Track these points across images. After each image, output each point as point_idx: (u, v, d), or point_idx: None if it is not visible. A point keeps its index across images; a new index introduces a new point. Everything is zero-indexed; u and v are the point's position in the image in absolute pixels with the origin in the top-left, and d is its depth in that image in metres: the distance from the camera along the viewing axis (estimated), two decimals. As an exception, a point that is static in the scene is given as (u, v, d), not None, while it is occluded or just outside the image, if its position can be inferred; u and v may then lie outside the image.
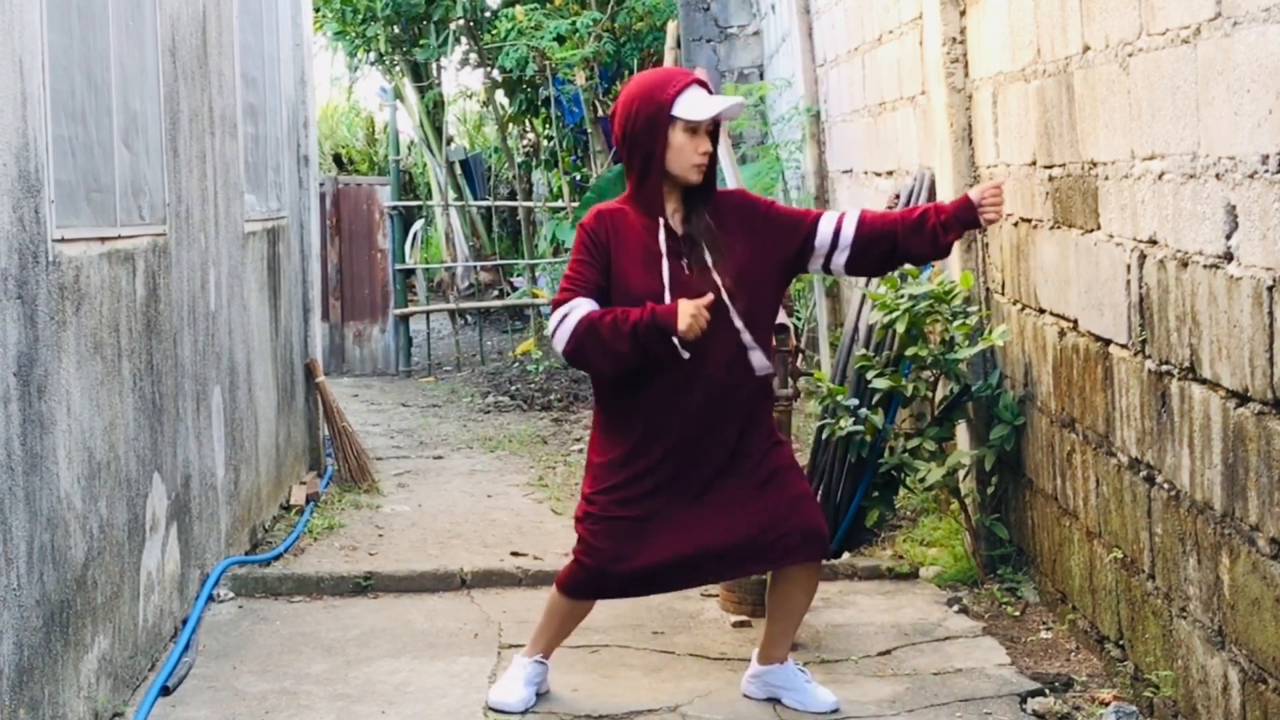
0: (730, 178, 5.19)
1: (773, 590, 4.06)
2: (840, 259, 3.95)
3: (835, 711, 3.96)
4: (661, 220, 3.85)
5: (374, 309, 11.06)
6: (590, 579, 3.94)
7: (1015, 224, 4.74)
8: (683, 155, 3.80)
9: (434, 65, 13.14)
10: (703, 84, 3.87)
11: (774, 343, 4.17)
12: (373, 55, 13.16)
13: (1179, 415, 3.42)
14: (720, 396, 3.84)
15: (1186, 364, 3.36)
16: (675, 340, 3.70)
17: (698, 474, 3.87)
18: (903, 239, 3.93)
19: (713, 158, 3.88)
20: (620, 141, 3.87)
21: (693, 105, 3.79)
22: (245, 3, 6.03)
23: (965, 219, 3.94)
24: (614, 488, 3.89)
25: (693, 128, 3.79)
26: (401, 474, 7.33)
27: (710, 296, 3.73)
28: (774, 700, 4.06)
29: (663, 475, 3.86)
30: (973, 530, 4.99)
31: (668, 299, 3.77)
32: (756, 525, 3.87)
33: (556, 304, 3.82)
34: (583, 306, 3.76)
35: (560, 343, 3.77)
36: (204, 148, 5.19)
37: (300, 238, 7.22)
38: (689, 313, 3.67)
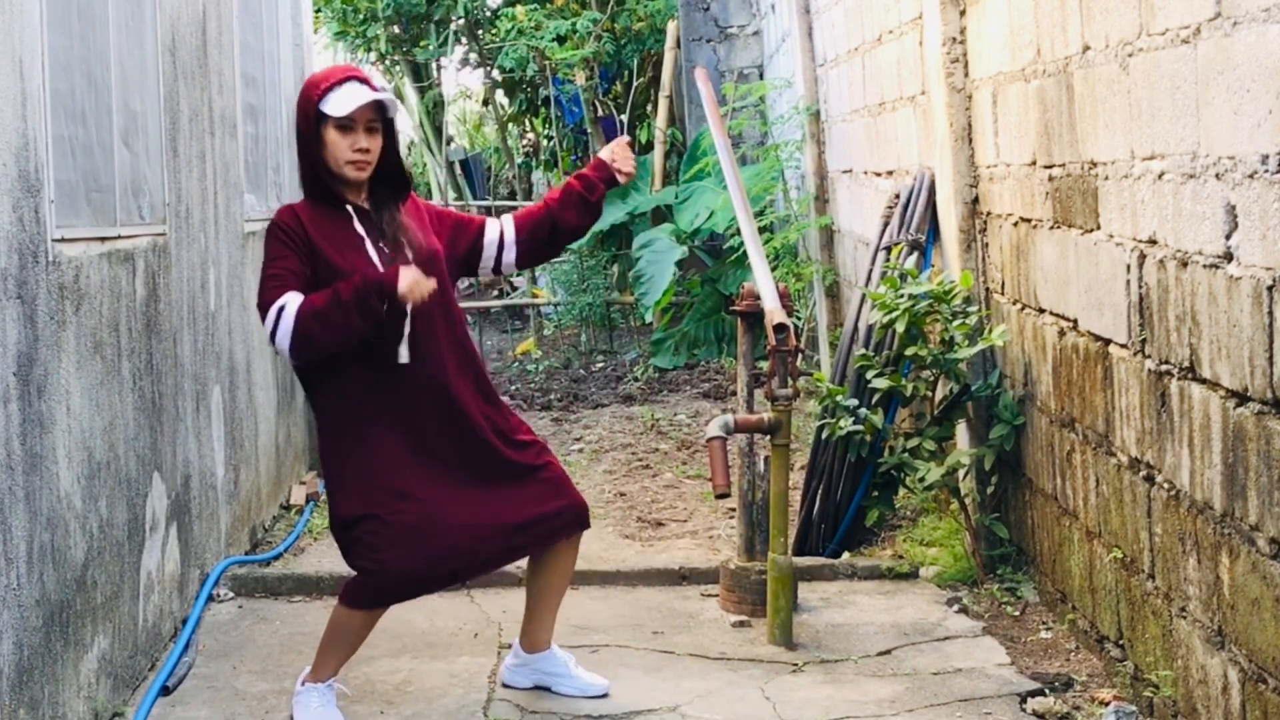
0: (730, 178, 5.18)
1: (537, 573, 4.06)
2: (510, 257, 4.12)
3: (607, 695, 4.04)
4: (350, 208, 3.83)
5: (374, 309, 11.04)
6: (378, 587, 3.85)
7: (1015, 224, 4.74)
8: (336, 152, 3.76)
9: (434, 65, 13.15)
10: (363, 80, 3.81)
11: (774, 342, 4.17)
12: (373, 55, 13.16)
13: (1179, 415, 3.42)
14: (445, 383, 3.82)
15: (1186, 364, 3.36)
16: (397, 307, 3.67)
17: (447, 469, 3.83)
18: (558, 215, 4.11)
19: (390, 153, 3.85)
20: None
21: (338, 102, 3.73)
22: (245, 3, 6.03)
23: (605, 177, 4.12)
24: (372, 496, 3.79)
25: (343, 125, 3.74)
26: (401, 474, 7.33)
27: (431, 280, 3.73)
28: (543, 688, 4.10)
29: (411, 475, 3.80)
30: (972, 530, 4.99)
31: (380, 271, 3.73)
32: (524, 511, 3.88)
33: (266, 305, 3.67)
34: (295, 298, 3.67)
35: (285, 337, 3.64)
36: (204, 148, 5.19)
37: (300, 238, 7.21)
38: (410, 275, 3.64)
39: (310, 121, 3.77)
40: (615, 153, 4.12)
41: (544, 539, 3.95)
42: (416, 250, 3.84)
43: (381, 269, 3.74)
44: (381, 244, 3.81)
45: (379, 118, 3.80)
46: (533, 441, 4.02)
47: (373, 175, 3.84)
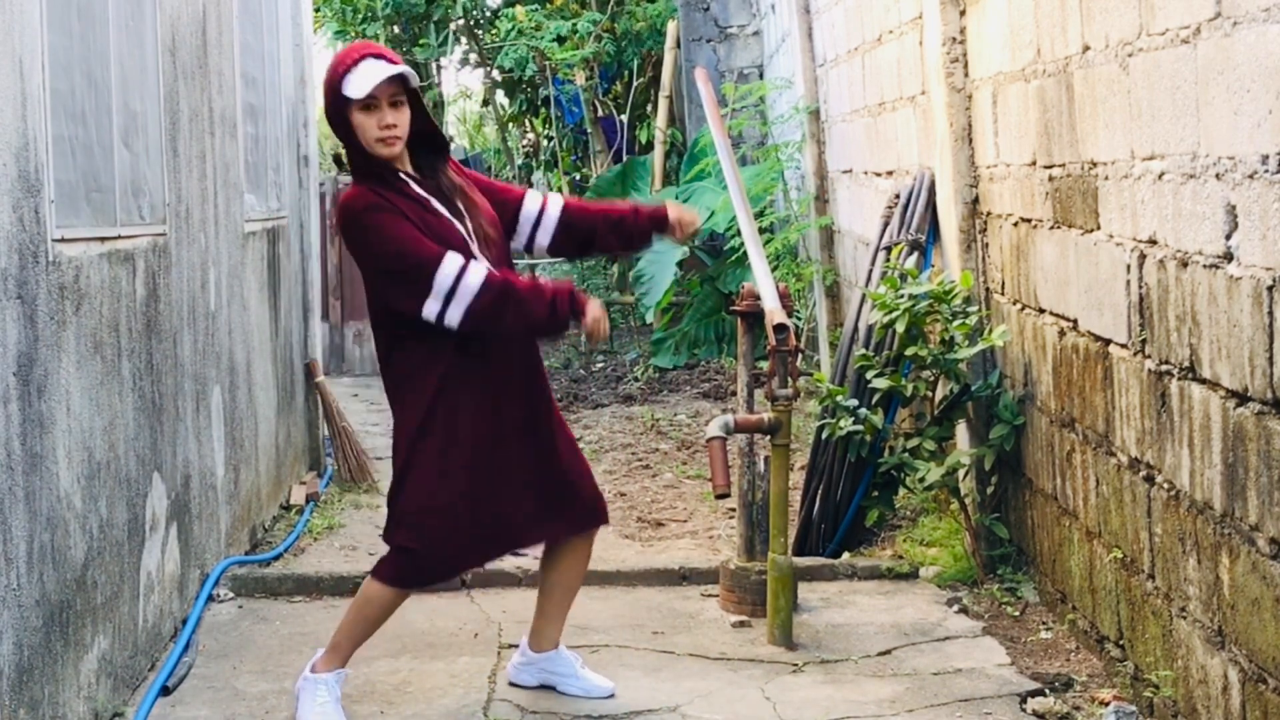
0: (730, 178, 5.18)
1: (550, 570, 4.07)
2: (543, 239, 4.05)
3: (613, 696, 4.05)
4: (403, 175, 3.82)
5: (374, 309, 11.06)
6: (418, 569, 3.90)
7: (1015, 224, 4.74)
8: (364, 132, 3.74)
9: (434, 65, 13.14)
10: (380, 55, 3.78)
11: (774, 342, 4.17)
12: (373, 55, 13.15)
13: (1179, 415, 3.42)
14: (517, 361, 3.88)
15: (1186, 364, 3.36)
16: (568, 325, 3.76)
17: (515, 453, 3.88)
18: (602, 234, 4.07)
19: (421, 120, 3.84)
20: None
21: (356, 83, 3.71)
22: (245, 3, 6.03)
23: (658, 230, 4.07)
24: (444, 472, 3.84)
25: (366, 105, 3.72)
26: (401, 474, 7.33)
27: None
28: (549, 687, 4.11)
29: (483, 472, 3.85)
30: (973, 530, 4.99)
31: (467, 236, 3.77)
32: (557, 490, 3.93)
33: (424, 264, 3.66)
34: (475, 264, 3.70)
35: (466, 298, 3.65)
36: (204, 148, 5.19)
37: (300, 238, 7.23)
38: (595, 312, 3.72)
39: (335, 107, 3.78)
40: (685, 219, 4.05)
41: (564, 532, 4.00)
42: (477, 211, 3.86)
43: (462, 227, 3.78)
44: (448, 205, 3.82)
45: (402, 90, 3.78)
46: (569, 438, 4.09)
47: (410, 144, 3.84)
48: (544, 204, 4.05)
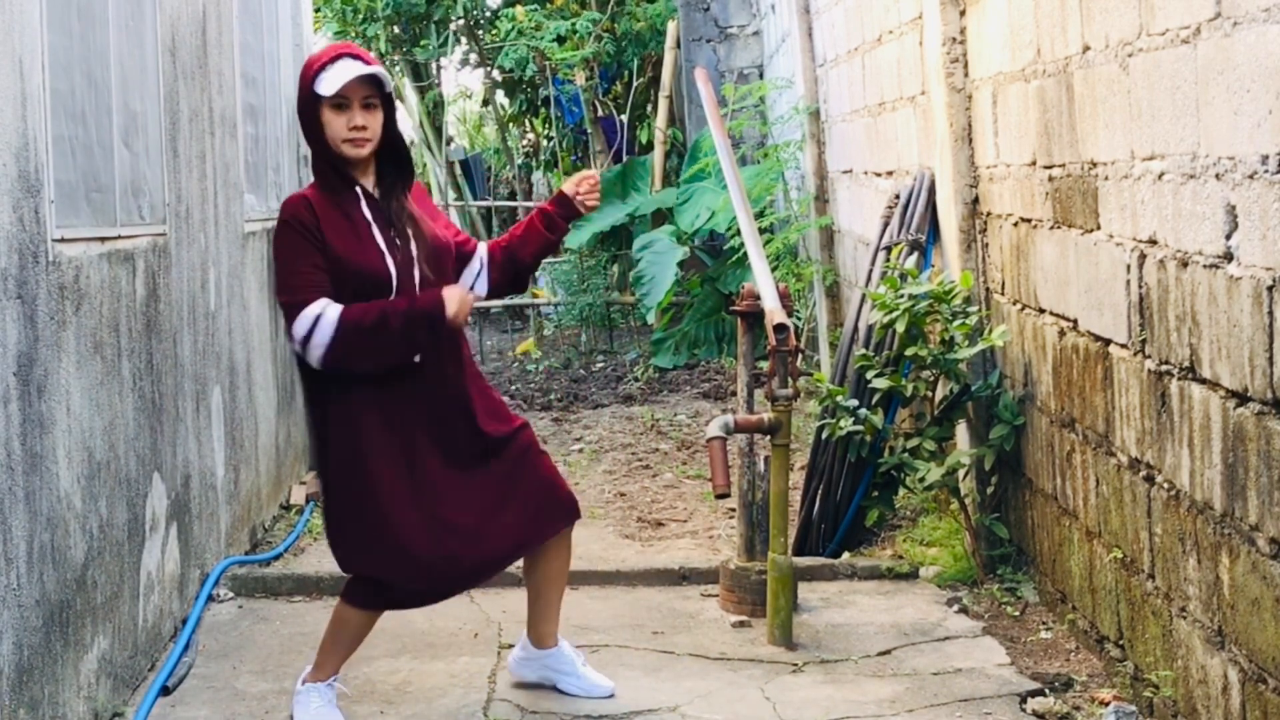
0: (730, 178, 5.18)
1: (533, 569, 4.04)
2: (481, 287, 4.04)
3: (612, 696, 4.04)
4: (359, 189, 3.78)
5: (374, 309, 11.06)
6: (376, 593, 3.86)
7: (1015, 224, 4.74)
8: (332, 131, 3.70)
9: (434, 65, 13.14)
10: (356, 56, 3.74)
11: (774, 342, 4.16)
12: (372, 55, 13.17)
13: (1179, 415, 3.42)
14: (439, 383, 3.80)
15: (1186, 364, 3.36)
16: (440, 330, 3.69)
17: (450, 473, 3.81)
18: (518, 253, 4.05)
19: (390, 131, 3.79)
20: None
21: (329, 80, 3.68)
22: (245, 3, 6.03)
23: (566, 213, 4.05)
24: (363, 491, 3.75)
25: (337, 103, 3.69)
26: (401, 474, 7.33)
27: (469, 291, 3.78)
28: (549, 685, 4.11)
29: (411, 497, 3.76)
30: (972, 530, 4.99)
31: (392, 271, 3.70)
32: (515, 500, 3.87)
33: (297, 306, 3.62)
34: (332, 308, 3.63)
35: (320, 346, 3.59)
36: (204, 148, 5.19)
37: (300, 238, 7.21)
38: (456, 298, 3.67)
39: (307, 103, 3.73)
40: (580, 185, 4.03)
41: (537, 540, 3.95)
42: (425, 242, 3.81)
43: (390, 262, 3.71)
44: (392, 232, 3.76)
45: (376, 93, 3.73)
46: (520, 427, 3.97)
47: (379, 156, 3.81)
48: (475, 253, 4.04)
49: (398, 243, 3.76)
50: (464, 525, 3.79)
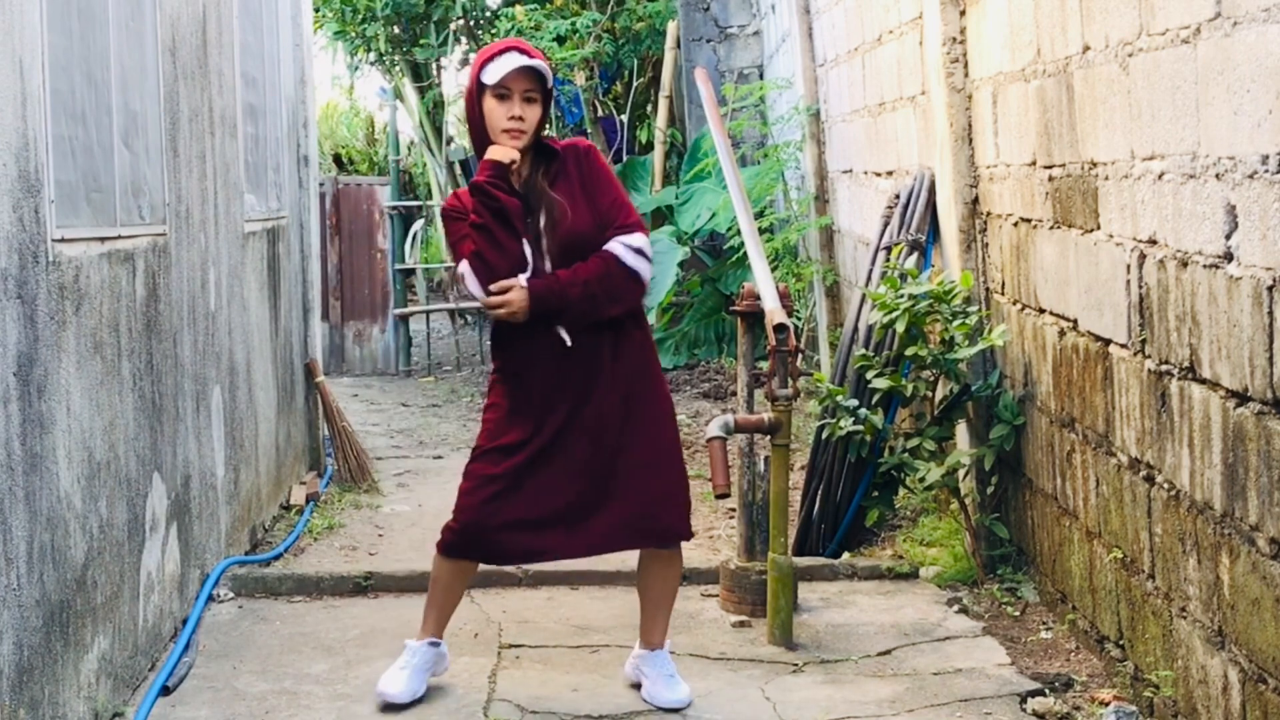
0: (730, 178, 5.18)
1: (638, 573, 4.15)
2: None
3: (678, 710, 3.99)
4: (496, 183, 3.90)
5: (374, 309, 11.06)
6: (462, 537, 4.01)
7: (1015, 224, 4.74)
8: (492, 120, 3.90)
9: (434, 65, 13.14)
10: (524, 50, 3.90)
11: (774, 342, 4.16)
12: (373, 55, 13.16)
13: (1179, 415, 3.42)
14: (579, 363, 3.91)
15: (1186, 364, 3.36)
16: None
17: (576, 441, 3.92)
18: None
19: (541, 123, 3.94)
20: None
21: (493, 70, 3.87)
22: (245, 3, 6.03)
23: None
24: (490, 449, 4.00)
25: (499, 93, 3.87)
26: (401, 474, 7.33)
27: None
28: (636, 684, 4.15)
29: (539, 438, 3.94)
30: (973, 530, 4.99)
31: (531, 264, 3.89)
32: (630, 508, 3.94)
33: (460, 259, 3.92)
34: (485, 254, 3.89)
35: (472, 282, 3.89)
36: (204, 148, 5.19)
37: (300, 238, 7.22)
38: (495, 298, 3.87)
39: (474, 93, 3.92)
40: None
41: (613, 548, 4.05)
42: (561, 235, 3.90)
43: (532, 251, 3.89)
44: (528, 223, 3.91)
45: (538, 89, 3.90)
46: (660, 435, 4.02)
47: (535, 149, 3.95)
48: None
49: (537, 227, 3.91)
50: (554, 509, 3.94)
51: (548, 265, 3.89)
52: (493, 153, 3.88)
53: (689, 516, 4.08)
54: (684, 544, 4.13)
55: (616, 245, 3.91)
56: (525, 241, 3.90)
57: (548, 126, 4.36)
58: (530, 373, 3.95)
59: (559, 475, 3.92)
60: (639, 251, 3.92)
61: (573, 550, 4.03)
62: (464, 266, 3.90)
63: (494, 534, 3.95)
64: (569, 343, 3.90)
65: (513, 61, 3.85)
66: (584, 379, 3.92)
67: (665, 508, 3.99)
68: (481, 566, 5.26)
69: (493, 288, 3.86)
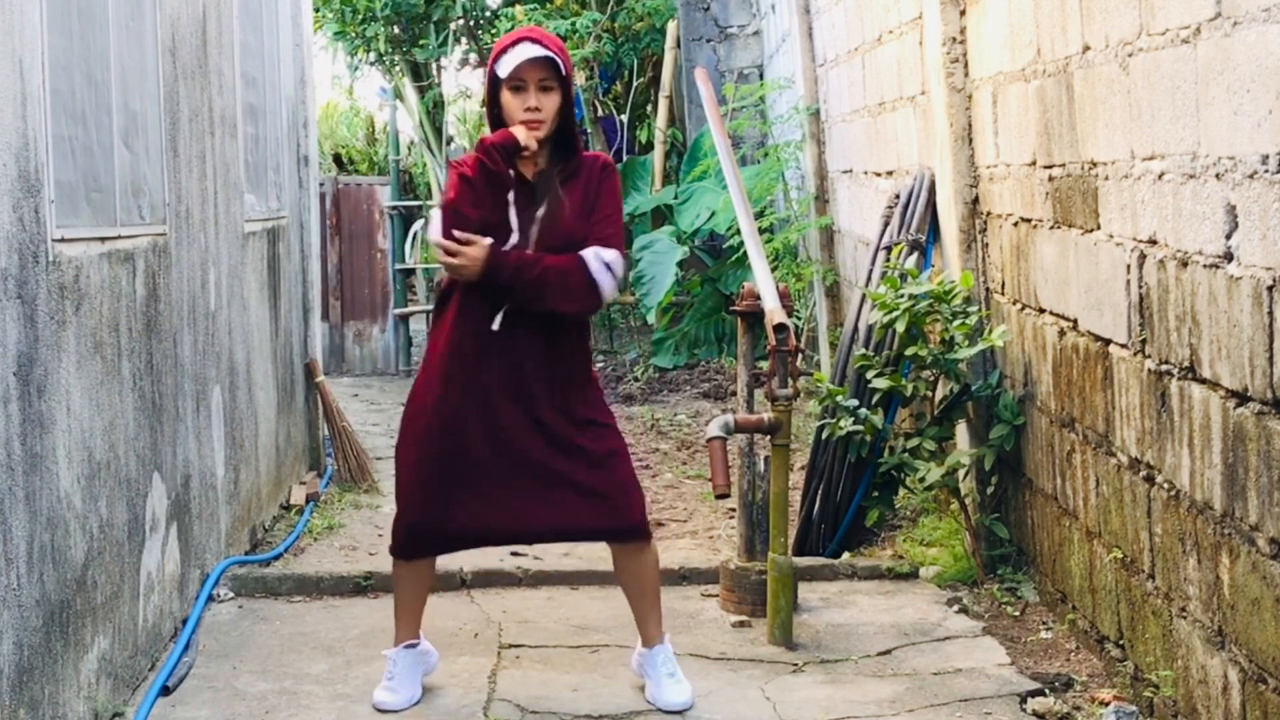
0: (730, 178, 5.18)
1: (616, 575, 4.16)
2: None
3: (680, 712, 3.96)
4: (513, 171, 3.89)
5: (374, 309, 11.07)
6: (409, 537, 3.99)
7: (1015, 224, 4.74)
8: (508, 111, 3.87)
9: (434, 65, 13.14)
10: (536, 40, 3.86)
11: (774, 342, 4.15)
12: (372, 55, 13.16)
13: (1179, 415, 3.42)
14: (510, 351, 3.88)
15: (1186, 364, 3.36)
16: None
17: (510, 440, 3.90)
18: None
19: (566, 114, 3.89)
20: None
21: (506, 63, 3.84)
22: (245, 3, 6.03)
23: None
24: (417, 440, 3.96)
25: (514, 85, 3.84)
26: (401, 474, 7.32)
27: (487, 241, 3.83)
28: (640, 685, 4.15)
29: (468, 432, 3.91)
30: (973, 530, 4.99)
31: (515, 233, 3.87)
32: (577, 508, 3.93)
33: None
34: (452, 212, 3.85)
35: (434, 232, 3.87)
36: (204, 148, 5.19)
37: (300, 238, 7.22)
38: (453, 257, 3.80)
39: (491, 85, 3.90)
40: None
41: (563, 540, 4.09)
42: (549, 232, 3.88)
43: (515, 226, 3.86)
44: (526, 207, 3.88)
45: (553, 76, 3.85)
46: (602, 437, 3.99)
47: (555, 139, 3.92)
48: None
49: (531, 216, 3.88)
50: (496, 495, 3.90)
51: (528, 252, 3.88)
52: (517, 130, 3.84)
53: (644, 513, 4.08)
54: (684, 544, 4.13)
55: (589, 252, 3.87)
56: (516, 221, 3.87)
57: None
58: (460, 347, 3.89)
59: (494, 458, 3.88)
60: (608, 266, 3.87)
61: (525, 523, 3.96)
62: (436, 212, 3.89)
63: (440, 525, 3.93)
64: (495, 327, 3.85)
65: (524, 52, 3.81)
66: (512, 368, 3.88)
67: (621, 497, 3.97)
68: (481, 566, 5.29)
69: (459, 236, 3.79)
